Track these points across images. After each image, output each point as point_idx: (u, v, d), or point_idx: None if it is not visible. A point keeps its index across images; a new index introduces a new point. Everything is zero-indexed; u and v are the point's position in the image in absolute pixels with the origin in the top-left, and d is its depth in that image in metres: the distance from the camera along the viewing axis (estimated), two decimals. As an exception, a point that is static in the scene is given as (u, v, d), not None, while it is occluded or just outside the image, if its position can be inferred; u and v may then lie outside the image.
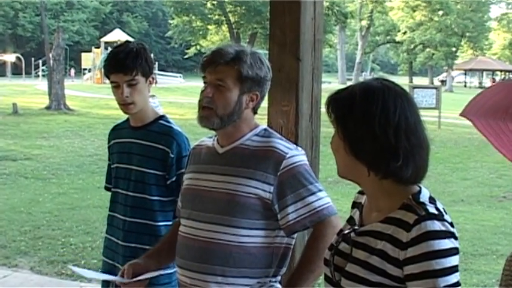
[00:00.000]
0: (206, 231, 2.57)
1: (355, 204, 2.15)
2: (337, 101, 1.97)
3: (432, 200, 1.92)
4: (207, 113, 2.58)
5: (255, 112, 2.70)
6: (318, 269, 2.44)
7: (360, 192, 2.16)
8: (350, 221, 2.11)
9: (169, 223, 3.28)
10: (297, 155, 2.59)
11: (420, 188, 1.96)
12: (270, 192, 2.53)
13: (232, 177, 2.57)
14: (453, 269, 1.82)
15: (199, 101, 2.62)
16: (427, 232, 1.81)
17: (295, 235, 2.66)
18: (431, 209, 1.87)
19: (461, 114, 1.31)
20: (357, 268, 1.93)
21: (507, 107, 1.25)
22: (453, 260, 1.82)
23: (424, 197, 1.92)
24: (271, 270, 2.61)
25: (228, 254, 2.54)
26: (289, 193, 2.53)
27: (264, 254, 2.58)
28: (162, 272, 2.91)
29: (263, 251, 2.57)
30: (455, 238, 1.85)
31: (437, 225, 1.82)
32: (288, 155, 2.55)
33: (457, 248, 1.85)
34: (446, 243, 1.81)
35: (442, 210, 1.90)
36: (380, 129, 1.88)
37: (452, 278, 1.81)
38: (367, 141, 1.90)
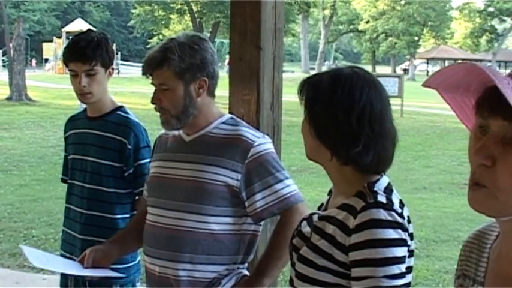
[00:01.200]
0: (174, 219, 2.59)
1: (330, 192, 2.15)
2: (307, 85, 1.98)
3: (388, 191, 1.91)
4: (164, 117, 2.64)
5: (213, 95, 2.70)
6: (285, 255, 2.45)
7: None
8: (320, 206, 2.13)
9: (127, 216, 3.26)
10: (264, 143, 2.61)
11: (381, 177, 1.96)
12: (237, 180, 2.55)
13: (199, 165, 2.58)
14: (396, 260, 1.79)
15: (155, 107, 2.65)
16: (371, 220, 1.80)
17: (262, 222, 2.69)
18: (381, 198, 1.86)
19: (424, 85, 1.33)
20: (307, 251, 1.94)
21: (468, 85, 1.29)
22: (397, 251, 1.79)
23: (380, 186, 1.92)
24: (239, 257, 2.63)
25: (197, 241, 2.55)
26: (256, 181, 2.55)
27: (232, 241, 2.60)
28: (119, 274, 2.91)
29: (231, 238, 2.59)
30: (403, 229, 1.82)
31: (382, 214, 1.81)
32: (255, 143, 2.57)
33: (403, 240, 1.82)
34: (391, 233, 1.79)
35: (394, 201, 1.87)
36: (343, 114, 1.89)
37: (394, 269, 1.78)
38: (330, 125, 1.91)
